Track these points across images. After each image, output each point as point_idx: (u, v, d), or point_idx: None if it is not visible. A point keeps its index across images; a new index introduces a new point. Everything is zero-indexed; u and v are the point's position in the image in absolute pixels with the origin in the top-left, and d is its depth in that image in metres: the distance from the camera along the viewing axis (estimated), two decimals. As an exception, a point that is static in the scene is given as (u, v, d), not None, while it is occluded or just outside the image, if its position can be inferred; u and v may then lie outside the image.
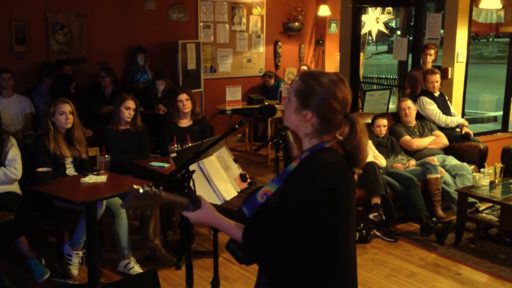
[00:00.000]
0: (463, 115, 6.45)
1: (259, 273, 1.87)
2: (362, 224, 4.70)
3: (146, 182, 3.65)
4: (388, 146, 5.36)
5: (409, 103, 5.60)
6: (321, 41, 9.50)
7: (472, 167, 5.38)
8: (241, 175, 3.21)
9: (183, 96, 4.75)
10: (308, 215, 1.66)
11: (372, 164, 4.79)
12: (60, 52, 6.92)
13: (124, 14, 7.40)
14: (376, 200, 4.66)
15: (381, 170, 4.87)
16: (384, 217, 4.60)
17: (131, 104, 4.56)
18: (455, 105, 6.15)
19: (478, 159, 5.53)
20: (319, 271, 1.73)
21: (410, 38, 7.20)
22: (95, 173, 3.90)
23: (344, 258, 1.78)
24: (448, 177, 5.20)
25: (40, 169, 3.70)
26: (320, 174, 1.67)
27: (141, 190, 1.67)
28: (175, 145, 4.32)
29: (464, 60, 6.27)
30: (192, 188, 1.92)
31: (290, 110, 1.80)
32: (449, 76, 6.22)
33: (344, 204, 1.73)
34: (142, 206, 1.69)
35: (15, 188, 3.94)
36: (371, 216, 4.61)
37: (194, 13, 8.15)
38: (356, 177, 1.82)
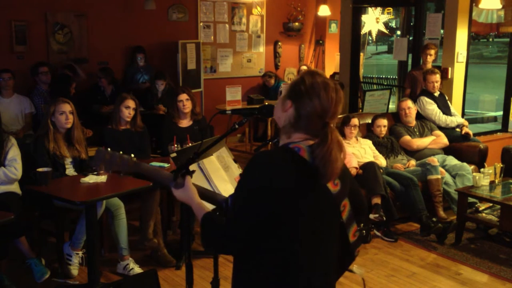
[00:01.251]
0: (463, 115, 6.45)
1: None
2: (362, 224, 4.69)
3: (146, 183, 3.67)
4: (388, 146, 5.36)
5: (409, 103, 5.60)
6: (321, 41, 9.50)
7: (472, 167, 5.38)
8: (241, 175, 3.20)
9: (183, 96, 4.75)
10: (248, 210, 1.64)
11: (372, 164, 4.79)
12: (60, 52, 6.92)
13: (124, 14, 7.41)
14: (376, 200, 4.66)
15: (381, 170, 4.87)
16: (384, 218, 4.60)
17: (130, 103, 4.56)
18: (455, 105, 6.15)
19: (478, 159, 5.53)
20: (270, 276, 1.68)
21: (410, 38, 7.20)
22: (95, 173, 3.89)
23: (309, 269, 1.70)
24: (448, 177, 5.20)
25: (40, 169, 3.70)
26: (255, 168, 1.66)
27: (107, 153, 1.71)
28: (175, 145, 4.32)
29: (464, 60, 6.27)
30: (186, 170, 1.95)
31: (280, 99, 1.80)
32: (449, 76, 6.22)
33: (291, 207, 1.64)
34: (111, 167, 1.75)
35: (15, 188, 3.93)
36: (371, 216, 4.61)
37: (194, 13, 8.15)
38: (334, 188, 1.73)
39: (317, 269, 1.74)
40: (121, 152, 1.78)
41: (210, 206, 1.94)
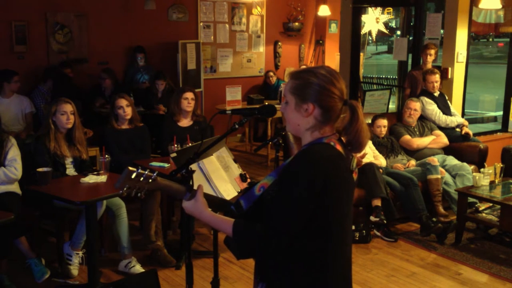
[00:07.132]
0: (463, 115, 6.45)
1: (254, 271, 1.87)
2: (362, 224, 4.70)
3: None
4: (388, 146, 5.36)
5: (417, 105, 5.57)
6: (321, 41, 9.50)
7: (472, 167, 5.38)
8: (241, 175, 3.20)
9: (189, 95, 4.76)
10: (300, 205, 1.65)
11: (371, 165, 4.78)
12: (60, 52, 6.92)
13: (124, 14, 7.41)
14: (377, 203, 4.65)
15: (381, 170, 4.86)
16: (385, 221, 4.61)
17: (122, 102, 4.55)
18: (455, 105, 6.15)
19: (478, 159, 5.53)
20: (313, 267, 1.72)
21: (410, 38, 7.20)
22: (95, 173, 3.90)
23: (340, 256, 1.78)
24: (448, 177, 5.19)
25: (40, 169, 3.70)
26: (312, 165, 1.66)
27: (134, 173, 1.70)
28: (175, 145, 4.32)
29: (464, 60, 6.27)
30: (190, 180, 1.94)
31: (290, 110, 1.79)
32: (449, 76, 6.22)
33: (337, 199, 1.72)
34: (135, 187, 1.74)
35: (15, 188, 3.94)
36: (372, 219, 4.62)
37: (194, 13, 8.15)
38: (355, 176, 1.81)
39: (348, 260, 1.84)
40: (146, 169, 1.76)
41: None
